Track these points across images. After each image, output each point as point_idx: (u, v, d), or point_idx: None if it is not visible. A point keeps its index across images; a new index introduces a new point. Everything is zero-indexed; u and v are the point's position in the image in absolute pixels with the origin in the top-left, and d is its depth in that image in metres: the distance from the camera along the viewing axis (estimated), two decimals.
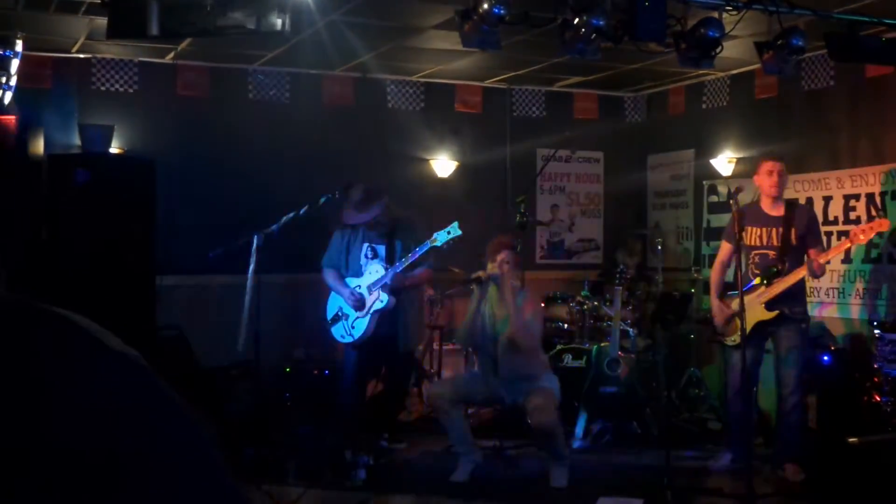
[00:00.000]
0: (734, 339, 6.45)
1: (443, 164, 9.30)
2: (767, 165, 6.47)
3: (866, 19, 6.23)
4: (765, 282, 6.27)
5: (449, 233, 6.83)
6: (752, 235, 6.43)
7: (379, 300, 6.87)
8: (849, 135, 7.82)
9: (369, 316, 6.89)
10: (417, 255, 6.77)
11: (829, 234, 7.67)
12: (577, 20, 5.70)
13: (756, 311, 6.28)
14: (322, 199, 7.19)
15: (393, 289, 6.89)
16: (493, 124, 9.58)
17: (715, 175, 9.10)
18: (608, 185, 10.11)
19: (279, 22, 5.23)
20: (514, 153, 9.66)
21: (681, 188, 9.66)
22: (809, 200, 7.99)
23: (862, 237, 6.28)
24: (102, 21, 5.66)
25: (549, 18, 6.03)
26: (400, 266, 6.84)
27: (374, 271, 6.94)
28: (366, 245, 7.07)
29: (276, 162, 8.37)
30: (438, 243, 6.79)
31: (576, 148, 9.63)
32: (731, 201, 6.23)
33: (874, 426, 6.38)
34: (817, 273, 6.27)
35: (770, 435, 6.61)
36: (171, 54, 8.20)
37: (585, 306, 8.05)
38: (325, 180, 7.56)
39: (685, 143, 9.55)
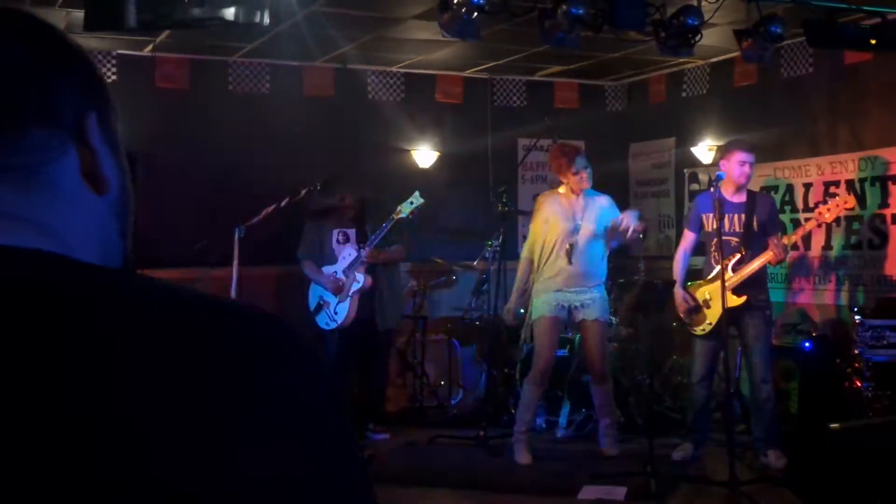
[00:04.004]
0: (703, 328, 6.50)
1: (424, 155, 9.28)
2: (741, 156, 6.32)
3: (844, 6, 6.25)
4: (729, 268, 6.28)
5: (412, 202, 6.92)
6: (714, 222, 6.44)
7: (356, 281, 6.94)
8: (828, 121, 7.85)
9: (349, 298, 6.96)
10: (385, 231, 6.86)
11: (808, 220, 7.70)
12: (556, 9, 5.70)
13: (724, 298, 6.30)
14: (303, 191, 7.20)
15: (369, 267, 6.97)
16: (474, 114, 9.56)
17: (696, 163, 9.12)
18: None
19: (258, 13, 5.21)
20: (496, 143, 9.64)
21: (662, 176, 9.68)
22: (790, 187, 8.02)
23: (827, 216, 6.32)
24: (79, 13, 5.60)
25: (529, 7, 6.02)
26: (371, 244, 6.91)
27: (348, 255, 7.02)
28: (336, 231, 7.15)
29: (256, 154, 8.33)
30: (403, 214, 6.90)
31: (557, 137, 9.61)
32: (711, 188, 6.25)
33: (855, 412, 6.42)
34: (781, 256, 6.28)
35: (751, 422, 6.64)
36: (150, 46, 8.15)
37: None
38: (306, 172, 7.55)
39: (666, 131, 9.56)
